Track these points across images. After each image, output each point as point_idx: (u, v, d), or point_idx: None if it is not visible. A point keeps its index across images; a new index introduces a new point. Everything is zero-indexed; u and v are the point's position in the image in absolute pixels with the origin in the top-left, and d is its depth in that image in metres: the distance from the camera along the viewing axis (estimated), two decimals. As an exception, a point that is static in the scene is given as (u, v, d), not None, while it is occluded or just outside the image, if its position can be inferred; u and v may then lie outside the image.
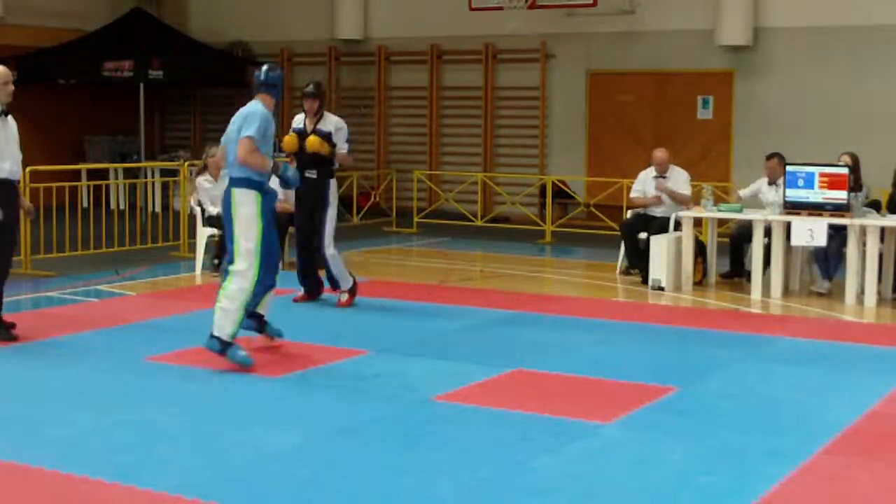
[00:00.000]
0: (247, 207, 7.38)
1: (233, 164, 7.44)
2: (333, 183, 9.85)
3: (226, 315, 7.33)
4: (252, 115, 7.44)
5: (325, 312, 9.52)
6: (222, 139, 7.77)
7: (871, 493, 5.27)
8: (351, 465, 5.47)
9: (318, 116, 9.78)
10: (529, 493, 5.13)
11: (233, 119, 7.62)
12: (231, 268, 7.41)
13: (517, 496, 5.10)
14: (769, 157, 11.69)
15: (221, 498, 4.99)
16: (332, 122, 9.84)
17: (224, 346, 7.36)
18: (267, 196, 7.51)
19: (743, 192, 11.82)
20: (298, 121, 9.99)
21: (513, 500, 5.06)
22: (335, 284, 9.86)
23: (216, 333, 7.36)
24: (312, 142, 9.60)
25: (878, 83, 15.41)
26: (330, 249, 9.71)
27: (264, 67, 7.75)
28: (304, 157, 9.75)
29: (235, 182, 7.42)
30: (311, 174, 9.72)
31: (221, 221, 9.71)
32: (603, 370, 7.54)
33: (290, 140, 9.77)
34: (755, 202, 11.74)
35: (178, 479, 5.21)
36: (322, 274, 10.04)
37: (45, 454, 5.57)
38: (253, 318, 7.88)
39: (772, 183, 11.51)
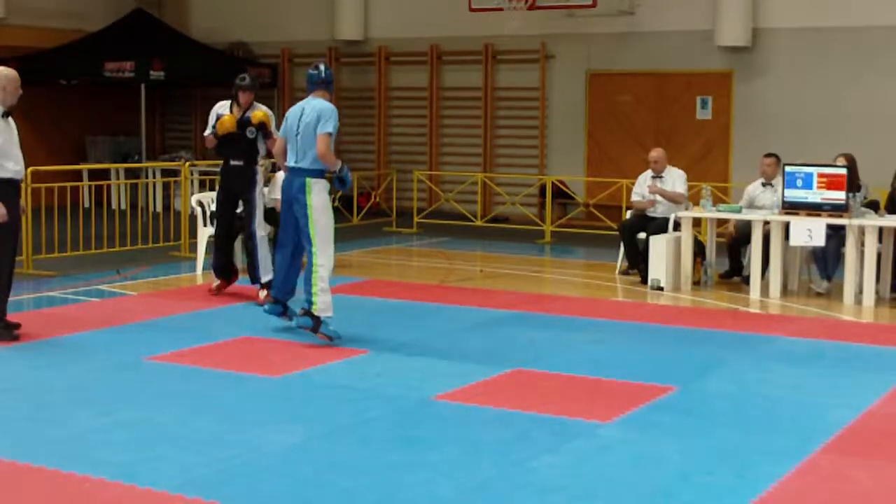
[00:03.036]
0: (321, 196, 8.17)
1: (305, 155, 8.14)
2: (259, 168, 10.18)
3: (324, 294, 8.09)
4: (327, 111, 8.13)
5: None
6: (280, 132, 8.52)
7: (870, 492, 5.29)
8: (351, 465, 5.49)
9: (248, 106, 10.11)
10: (529, 493, 5.15)
11: (293, 114, 8.29)
12: (314, 254, 8.12)
13: (517, 495, 5.12)
14: (767, 156, 11.69)
15: (222, 497, 5.01)
16: (261, 110, 10.16)
17: (316, 323, 8.11)
18: (328, 184, 8.33)
19: (742, 204, 11.74)
20: (223, 107, 10.19)
21: (512, 500, 5.08)
22: (255, 277, 10.01)
23: (316, 313, 8.08)
24: (258, 114, 9.99)
25: (878, 83, 15.42)
26: (260, 231, 10.02)
27: (321, 66, 8.39)
28: (230, 146, 10.09)
29: (309, 172, 8.15)
30: (238, 162, 10.10)
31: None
32: (602, 370, 7.56)
33: (229, 120, 9.97)
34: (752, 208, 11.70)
35: (179, 479, 5.23)
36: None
37: (46, 453, 5.59)
38: (278, 304, 8.72)
39: (766, 183, 11.50)
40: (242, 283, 11.04)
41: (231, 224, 10.40)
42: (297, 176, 8.22)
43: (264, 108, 10.28)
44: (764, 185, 11.54)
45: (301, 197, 8.16)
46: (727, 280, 11.57)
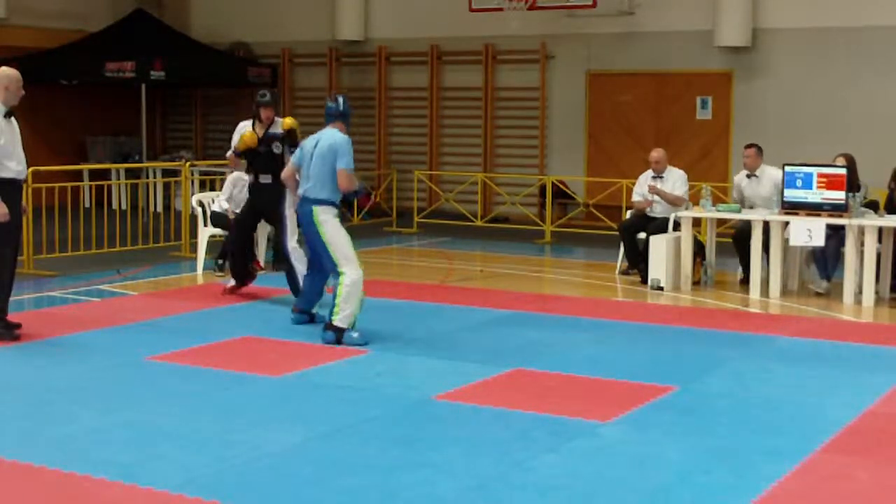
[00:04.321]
0: (331, 222, 8.39)
1: (315, 184, 8.39)
2: None
3: (347, 307, 8.21)
4: (343, 145, 8.39)
5: (324, 312, 9.53)
6: (293, 158, 8.81)
7: (870, 491, 5.29)
8: (351, 465, 5.50)
9: (270, 122, 10.11)
10: (529, 492, 5.16)
11: (309, 143, 8.54)
12: (340, 273, 8.25)
13: (517, 495, 5.13)
14: (748, 147, 11.64)
15: (223, 497, 5.01)
16: (289, 119, 10.25)
17: (339, 334, 8.22)
18: (339, 208, 8.59)
19: (734, 196, 11.76)
20: (246, 127, 10.18)
21: (512, 499, 5.09)
22: (296, 290, 9.72)
23: (337, 324, 8.21)
24: (288, 121, 10.10)
25: (877, 83, 15.42)
26: (292, 242, 9.96)
27: (339, 99, 8.66)
28: (258, 163, 10.07)
29: (317, 202, 8.41)
30: (267, 179, 10.01)
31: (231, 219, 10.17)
32: (602, 370, 7.57)
33: (250, 136, 9.97)
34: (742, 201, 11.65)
35: (180, 479, 5.24)
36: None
37: (46, 453, 5.60)
38: (304, 314, 9.00)
39: (751, 175, 11.48)
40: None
41: (251, 235, 10.47)
42: (307, 205, 8.46)
43: (289, 119, 10.31)
44: (748, 176, 11.52)
45: (312, 226, 8.41)
46: (746, 284, 11.30)
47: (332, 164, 8.35)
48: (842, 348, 8.50)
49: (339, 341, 8.19)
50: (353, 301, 8.22)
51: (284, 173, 8.99)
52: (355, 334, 8.23)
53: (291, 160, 8.91)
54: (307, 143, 8.60)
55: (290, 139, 9.99)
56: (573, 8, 16.88)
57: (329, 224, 8.36)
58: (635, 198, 12.11)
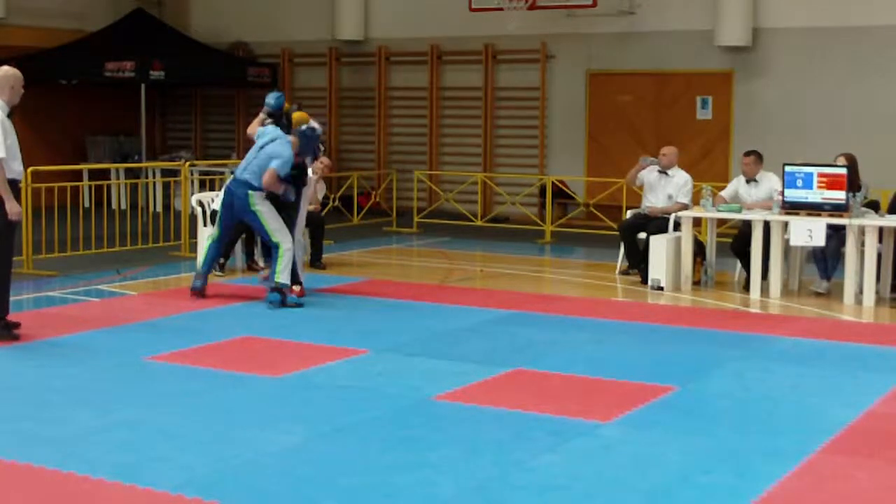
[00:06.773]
0: (264, 204, 9.78)
1: (255, 174, 9.75)
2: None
3: (286, 270, 9.69)
4: (280, 150, 9.73)
5: (324, 312, 9.54)
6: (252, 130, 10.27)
7: (870, 492, 5.29)
8: (351, 465, 5.50)
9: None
10: (529, 493, 5.15)
11: (265, 137, 9.93)
12: (277, 245, 9.72)
13: (517, 495, 5.13)
14: (746, 154, 11.66)
15: (222, 497, 5.01)
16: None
17: (283, 297, 9.65)
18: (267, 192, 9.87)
19: (724, 194, 11.76)
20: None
21: (512, 499, 5.08)
22: (296, 276, 10.32)
23: (280, 282, 9.66)
24: (296, 115, 10.60)
25: (878, 83, 15.42)
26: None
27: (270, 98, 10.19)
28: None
29: (251, 186, 9.77)
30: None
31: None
32: (603, 370, 7.56)
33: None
34: (736, 202, 11.61)
35: (179, 479, 5.24)
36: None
37: (45, 453, 5.59)
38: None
39: (749, 181, 11.47)
40: (243, 282, 11.06)
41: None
42: (243, 188, 9.78)
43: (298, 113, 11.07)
44: (748, 181, 11.50)
45: (249, 210, 9.76)
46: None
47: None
48: (842, 348, 8.49)
49: (283, 303, 9.59)
50: (289, 264, 9.66)
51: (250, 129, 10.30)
52: (293, 296, 9.69)
53: (249, 130, 10.28)
54: (264, 135, 9.89)
55: (288, 121, 10.37)
56: (573, 8, 16.87)
57: (264, 206, 9.74)
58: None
